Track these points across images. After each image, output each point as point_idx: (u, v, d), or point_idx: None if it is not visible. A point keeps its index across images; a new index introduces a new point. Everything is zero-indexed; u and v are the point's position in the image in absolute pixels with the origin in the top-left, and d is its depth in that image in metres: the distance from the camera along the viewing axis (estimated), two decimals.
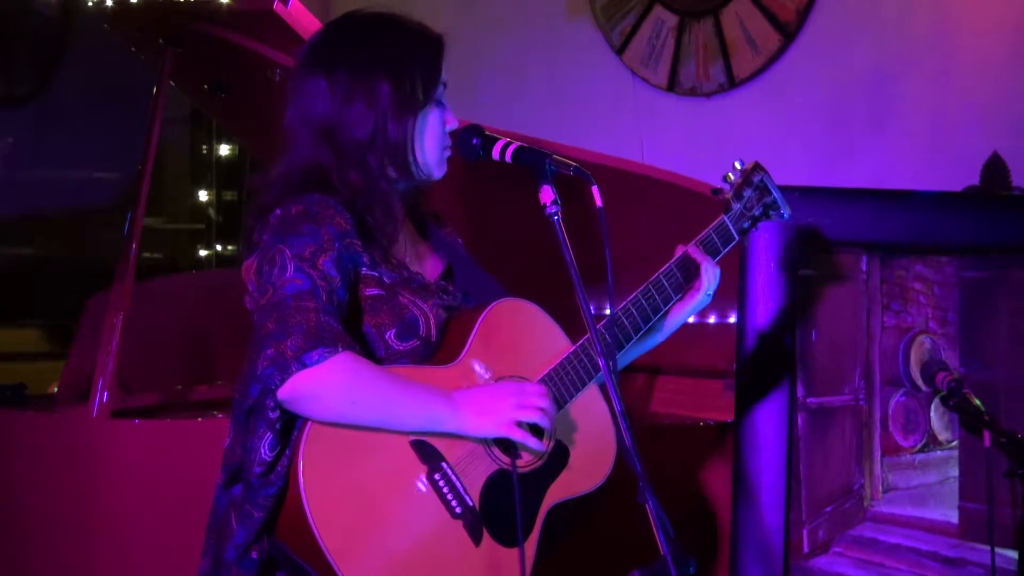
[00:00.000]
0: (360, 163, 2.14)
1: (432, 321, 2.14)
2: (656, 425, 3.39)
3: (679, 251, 2.34)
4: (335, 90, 2.15)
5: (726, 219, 2.36)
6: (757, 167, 2.38)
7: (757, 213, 2.38)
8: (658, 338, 2.42)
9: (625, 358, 2.37)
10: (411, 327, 2.12)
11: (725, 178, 2.37)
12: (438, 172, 2.24)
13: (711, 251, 2.35)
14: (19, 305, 5.79)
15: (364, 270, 2.11)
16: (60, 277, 5.72)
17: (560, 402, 2.17)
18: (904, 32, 4.68)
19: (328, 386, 1.95)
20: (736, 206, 2.36)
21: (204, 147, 6.39)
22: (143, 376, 3.49)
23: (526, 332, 2.21)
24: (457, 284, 2.27)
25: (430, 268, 2.27)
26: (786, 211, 2.40)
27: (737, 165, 2.38)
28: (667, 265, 2.32)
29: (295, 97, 2.20)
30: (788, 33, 4.89)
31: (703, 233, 2.35)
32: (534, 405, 2.08)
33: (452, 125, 2.22)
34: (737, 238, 2.37)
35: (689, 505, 3.26)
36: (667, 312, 2.33)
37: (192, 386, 3.65)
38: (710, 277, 2.32)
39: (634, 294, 2.27)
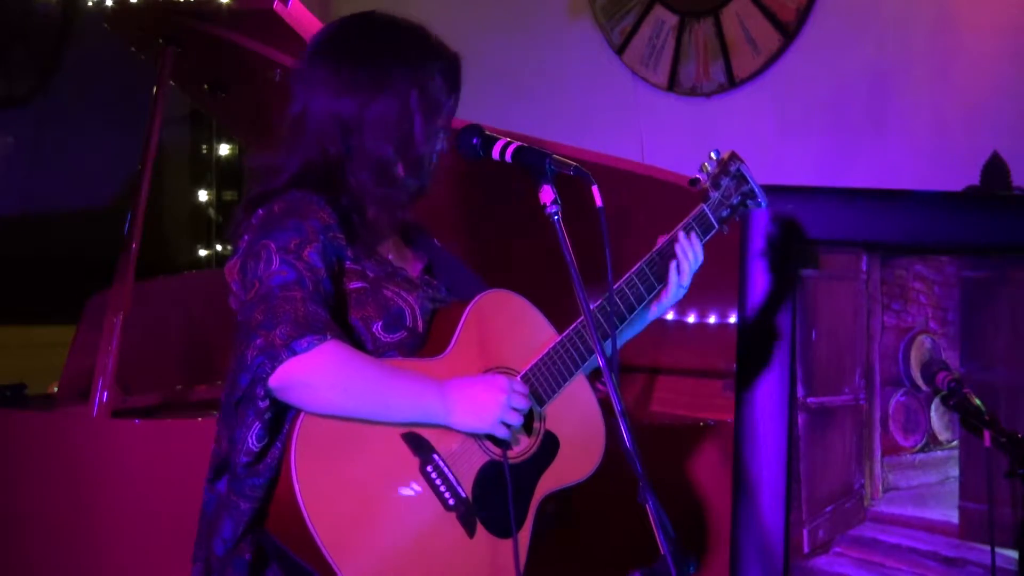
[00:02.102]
0: (381, 170, 2.16)
1: (418, 312, 2.15)
2: (656, 425, 3.39)
3: (661, 240, 2.35)
4: (359, 91, 2.15)
5: (705, 207, 2.37)
6: (734, 156, 2.40)
7: (735, 202, 2.40)
8: (634, 329, 2.43)
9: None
10: (397, 319, 2.12)
11: (702, 168, 2.39)
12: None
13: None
14: (19, 305, 5.78)
15: (348, 264, 2.12)
16: (60, 277, 5.71)
17: (548, 392, 2.18)
18: (904, 32, 4.68)
19: (319, 373, 1.95)
20: (714, 195, 2.38)
21: (204, 147, 6.38)
22: (143, 376, 3.49)
23: (513, 323, 2.22)
24: (439, 279, 2.28)
25: (412, 265, 2.28)
26: (763, 200, 2.42)
27: (713, 155, 2.40)
28: (651, 253, 2.34)
29: (312, 88, 2.18)
30: (788, 33, 4.89)
31: (683, 222, 2.36)
32: (522, 406, 2.10)
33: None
34: (717, 227, 2.38)
35: (689, 505, 3.26)
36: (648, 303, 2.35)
37: (192, 386, 3.65)
38: (688, 256, 2.32)
39: (619, 283, 2.28)
